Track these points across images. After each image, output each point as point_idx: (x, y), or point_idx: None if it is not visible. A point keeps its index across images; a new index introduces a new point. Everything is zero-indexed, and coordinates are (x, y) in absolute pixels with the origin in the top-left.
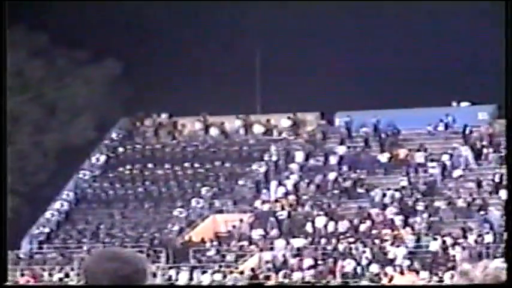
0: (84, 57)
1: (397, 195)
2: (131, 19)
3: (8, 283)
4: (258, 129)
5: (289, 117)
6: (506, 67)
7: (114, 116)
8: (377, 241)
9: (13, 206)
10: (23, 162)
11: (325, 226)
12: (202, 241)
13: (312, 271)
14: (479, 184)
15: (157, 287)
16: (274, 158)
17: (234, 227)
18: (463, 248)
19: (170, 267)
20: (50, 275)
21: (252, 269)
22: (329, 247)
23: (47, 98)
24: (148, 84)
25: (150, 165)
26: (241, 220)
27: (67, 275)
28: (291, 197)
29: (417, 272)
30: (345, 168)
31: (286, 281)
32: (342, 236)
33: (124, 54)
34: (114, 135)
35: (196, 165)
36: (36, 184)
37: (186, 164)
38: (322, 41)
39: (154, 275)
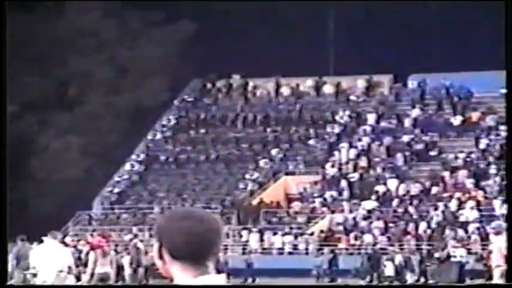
0: (157, 18)
1: (470, 158)
2: None
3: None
4: (330, 90)
5: (363, 79)
6: None
7: (186, 77)
8: (449, 204)
9: (86, 167)
10: (95, 123)
11: (397, 188)
12: (274, 202)
13: (382, 233)
14: None
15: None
16: (346, 120)
17: (305, 188)
18: None
19: (243, 228)
20: (120, 235)
21: (322, 231)
22: (400, 210)
23: (120, 59)
24: (220, 46)
25: (221, 127)
26: (313, 182)
27: (135, 236)
28: (363, 159)
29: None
30: (417, 130)
31: (358, 242)
32: (413, 199)
33: (197, 15)
34: (185, 97)
35: (267, 126)
36: (109, 145)
37: (258, 126)
38: (396, 2)
39: (227, 236)
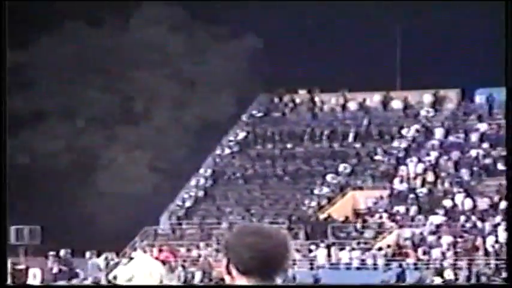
0: (224, 32)
1: None
2: None
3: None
4: (397, 105)
5: (429, 94)
6: None
7: (253, 91)
8: None
9: (153, 182)
10: (162, 138)
11: (464, 203)
12: (341, 217)
13: (451, 248)
14: None
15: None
16: (413, 134)
17: (373, 203)
18: None
19: (311, 243)
20: (188, 250)
21: (389, 246)
22: (468, 224)
23: (187, 73)
24: (288, 60)
25: (288, 142)
26: (380, 197)
27: (204, 251)
28: (430, 174)
29: None
30: (485, 145)
31: (426, 257)
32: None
33: (263, 29)
34: (253, 111)
35: (335, 141)
36: (176, 160)
37: (325, 140)
38: (462, 15)
39: (298, 251)
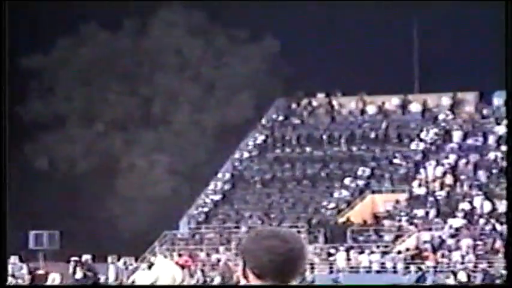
0: (242, 35)
1: None
2: None
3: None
4: (416, 108)
5: (448, 97)
6: None
7: (273, 95)
8: None
9: (172, 185)
10: (181, 141)
11: (483, 206)
12: (361, 221)
13: (470, 251)
14: None
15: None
16: (432, 137)
17: (392, 207)
18: None
19: (331, 247)
20: (208, 255)
21: (409, 249)
22: (487, 227)
23: (206, 77)
24: (306, 63)
25: (307, 146)
26: (399, 200)
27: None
28: (449, 177)
29: None
30: (503, 147)
31: (446, 260)
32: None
33: (282, 32)
34: (272, 115)
35: (353, 145)
36: (195, 163)
37: (344, 144)
38: (480, 17)
39: (317, 254)
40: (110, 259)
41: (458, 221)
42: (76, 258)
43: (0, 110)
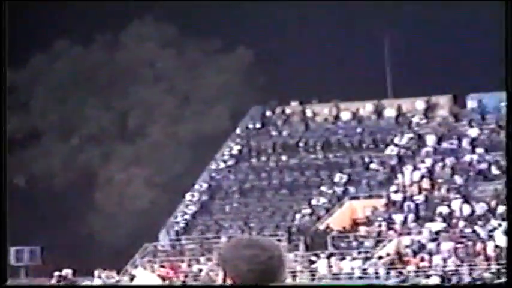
0: (215, 46)
1: None
2: (260, 6)
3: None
4: (390, 113)
5: (422, 101)
6: None
7: (247, 104)
8: None
9: (150, 198)
10: (158, 153)
11: (462, 209)
12: (340, 227)
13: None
14: None
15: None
16: (407, 142)
17: (371, 212)
18: None
19: (312, 254)
20: (189, 266)
21: (389, 254)
22: (467, 230)
23: (180, 88)
24: (279, 71)
25: (283, 154)
26: (377, 206)
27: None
28: (426, 181)
29: None
30: (479, 150)
31: (427, 264)
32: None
33: (254, 42)
34: (247, 125)
35: (329, 152)
36: (172, 175)
37: (319, 151)
38: (452, 20)
39: (298, 262)
40: (96, 273)
41: (438, 225)
42: (59, 273)
43: None
